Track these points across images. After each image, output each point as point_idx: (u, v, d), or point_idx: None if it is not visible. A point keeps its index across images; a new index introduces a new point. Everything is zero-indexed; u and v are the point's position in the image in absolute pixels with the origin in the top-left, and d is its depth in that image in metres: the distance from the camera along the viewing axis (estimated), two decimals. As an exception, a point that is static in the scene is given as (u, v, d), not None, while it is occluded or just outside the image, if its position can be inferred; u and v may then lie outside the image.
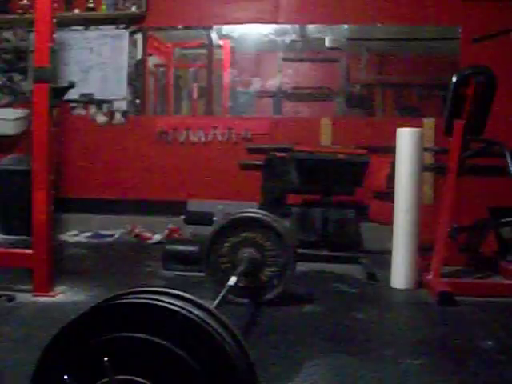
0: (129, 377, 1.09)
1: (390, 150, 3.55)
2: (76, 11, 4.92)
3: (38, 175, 2.87)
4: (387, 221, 3.57)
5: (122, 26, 4.96)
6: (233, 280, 2.33)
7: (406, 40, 4.85)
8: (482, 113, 3.28)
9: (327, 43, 4.80)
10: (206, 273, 2.86)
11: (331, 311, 2.82)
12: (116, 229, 4.76)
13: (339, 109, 4.92)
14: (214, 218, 4.23)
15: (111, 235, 4.69)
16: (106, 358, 1.07)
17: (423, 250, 3.39)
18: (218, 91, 5.05)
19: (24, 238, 3.63)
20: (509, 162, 3.14)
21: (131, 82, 4.99)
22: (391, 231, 3.39)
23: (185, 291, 1.20)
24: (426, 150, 4.11)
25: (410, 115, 4.83)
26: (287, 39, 4.86)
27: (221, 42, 4.98)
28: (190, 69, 5.28)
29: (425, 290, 3.22)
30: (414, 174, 3.30)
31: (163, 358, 1.08)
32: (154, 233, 4.65)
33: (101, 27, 4.98)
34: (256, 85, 4.96)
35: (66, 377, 1.09)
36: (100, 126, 5.02)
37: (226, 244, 2.79)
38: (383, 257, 3.68)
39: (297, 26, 4.85)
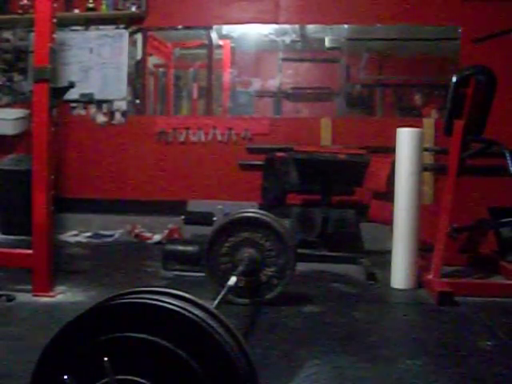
0: (129, 377, 1.09)
1: (390, 150, 3.55)
2: (76, 11, 4.92)
3: (38, 175, 2.87)
4: (387, 221, 3.56)
5: (122, 26, 4.96)
6: (233, 280, 2.33)
7: (406, 40, 4.85)
8: (482, 113, 3.28)
9: (327, 43, 4.80)
10: (206, 273, 2.86)
11: (331, 311, 2.81)
12: (116, 229, 4.76)
13: (339, 109, 4.92)
14: (214, 218, 4.23)
15: (111, 235, 4.69)
16: (105, 358, 1.07)
17: (423, 250, 3.39)
18: (218, 91, 5.05)
19: (24, 237, 3.63)
20: (509, 162, 3.14)
21: (131, 82, 4.99)
22: (391, 231, 3.39)
23: (185, 291, 1.20)
24: (425, 149, 4.11)
25: (410, 115, 4.83)
26: (287, 39, 4.86)
27: (221, 42, 4.98)
28: (190, 69, 5.28)
29: (425, 289, 3.22)
30: (414, 174, 3.30)
31: (163, 359, 1.08)
32: (154, 233, 4.65)
33: (101, 27, 4.98)
34: (256, 85, 4.96)
35: (65, 377, 1.09)
36: (100, 126, 5.02)
37: (226, 244, 2.79)
38: (383, 257, 3.68)
39: (297, 26, 4.85)
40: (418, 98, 4.98)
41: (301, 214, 4.18)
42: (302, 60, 5.05)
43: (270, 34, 4.87)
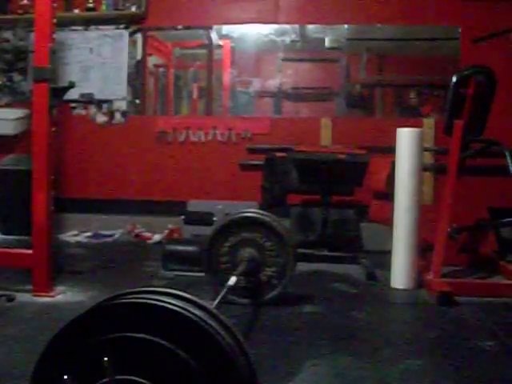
0: (129, 377, 1.09)
1: (390, 150, 3.55)
2: (76, 11, 4.92)
3: (38, 175, 2.87)
4: (387, 221, 3.56)
5: (122, 26, 4.96)
6: (233, 280, 2.33)
7: (406, 40, 4.85)
8: (482, 113, 3.28)
9: (327, 43, 4.80)
10: (206, 273, 2.86)
11: (331, 311, 2.82)
12: (116, 229, 4.76)
13: (339, 109, 4.92)
14: (214, 218, 4.23)
15: (111, 235, 4.69)
16: (106, 358, 1.07)
17: (423, 250, 3.39)
18: (218, 91, 5.05)
19: (24, 237, 3.63)
20: (509, 162, 3.14)
21: (131, 82, 4.99)
22: (391, 231, 3.39)
23: (185, 291, 1.20)
24: (425, 149, 4.10)
25: (410, 115, 4.83)
26: (287, 39, 4.86)
27: (221, 42, 4.98)
28: (190, 69, 5.28)
29: (425, 290, 3.22)
30: (414, 174, 3.30)
31: (163, 358, 1.08)
32: (154, 233, 4.65)
33: (101, 27, 4.98)
34: (256, 85, 4.96)
35: (65, 377, 1.09)
36: (100, 126, 5.02)
37: (226, 244, 2.79)
38: (383, 257, 3.68)
39: (297, 26, 4.85)
40: (417, 98, 4.97)
41: (301, 213, 4.18)
42: (302, 60, 5.06)
43: (270, 34, 4.87)
